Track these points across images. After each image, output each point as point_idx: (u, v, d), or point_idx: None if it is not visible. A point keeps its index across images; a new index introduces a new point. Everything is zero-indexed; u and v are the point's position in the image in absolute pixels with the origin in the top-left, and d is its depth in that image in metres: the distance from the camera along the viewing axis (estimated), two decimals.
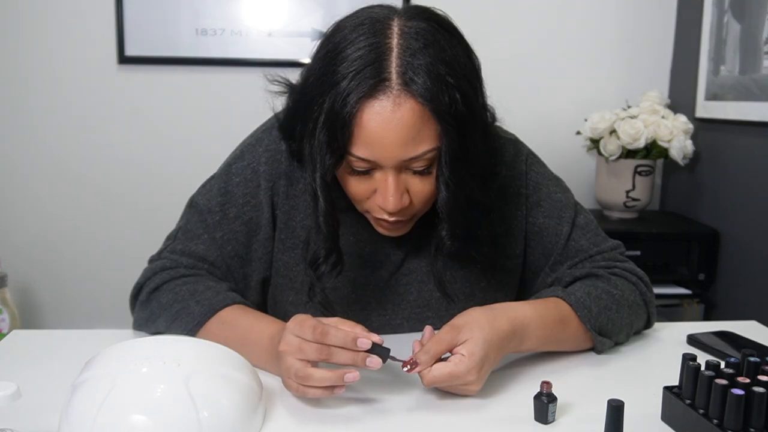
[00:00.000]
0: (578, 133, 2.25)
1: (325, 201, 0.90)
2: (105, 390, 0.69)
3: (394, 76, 0.82)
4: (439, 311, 1.05)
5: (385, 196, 0.88)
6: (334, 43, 0.86)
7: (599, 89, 2.36)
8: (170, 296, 0.97)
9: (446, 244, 0.93)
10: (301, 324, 0.80)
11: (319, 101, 0.85)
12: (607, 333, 0.98)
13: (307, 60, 0.91)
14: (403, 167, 0.87)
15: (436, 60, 0.83)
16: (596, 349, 0.98)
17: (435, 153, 0.86)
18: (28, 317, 2.25)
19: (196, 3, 2.23)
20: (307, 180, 0.91)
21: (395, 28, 0.84)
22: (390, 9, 0.87)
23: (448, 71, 0.83)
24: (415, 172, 0.88)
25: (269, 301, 1.08)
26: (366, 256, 1.04)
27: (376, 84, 0.82)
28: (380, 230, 0.96)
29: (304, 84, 0.90)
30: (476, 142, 0.89)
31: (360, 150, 0.85)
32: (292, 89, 0.96)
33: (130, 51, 2.23)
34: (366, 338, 0.78)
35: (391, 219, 0.91)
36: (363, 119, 0.83)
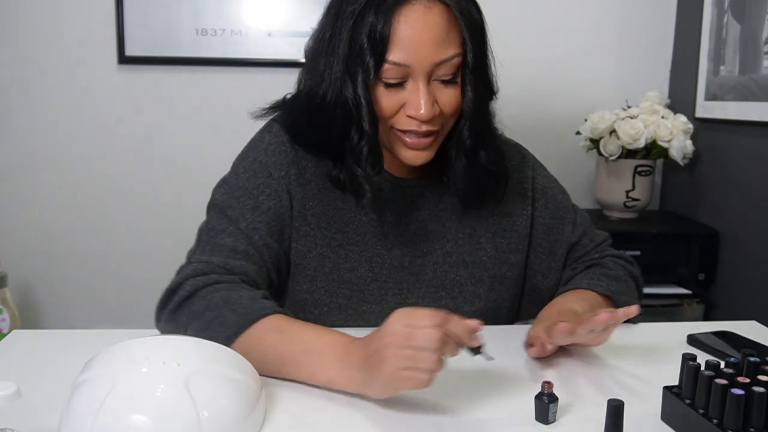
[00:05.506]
0: (578, 133, 2.24)
1: (367, 102, 0.95)
2: (105, 390, 0.69)
3: None
4: (452, 291, 1.09)
5: (417, 104, 0.94)
6: None
7: (599, 89, 2.36)
8: (203, 304, 0.91)
9: (466, 140, 1.01)
10: (411, 313, 0.76)
11: (358, 16, 0.93)
12: (621, 303, 1.05)
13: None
14: (432, 75, 0.95)
15: None
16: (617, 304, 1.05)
17: (460, 59, 0.96)
18: (28, 317, 2.25)
19: (196, 3, 2.23)
20: (348, 91, 0.96)
21: None
22: None
23: None
24: (443, 81, 0.96)
25: (280, 288, 1.06)
26: (385, 234, 1.07)
27: None
28: (406, 154, 1.00)
29: (334, 12, 0.97)
30: (489, 65, 1.01)
31: (395, 55, 0.93)
32: (297, 94, 1.05)
33: (130, 51, 2.23)
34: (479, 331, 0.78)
35: (422, 129, 0.96)
36: (398, 23, 0.92)
